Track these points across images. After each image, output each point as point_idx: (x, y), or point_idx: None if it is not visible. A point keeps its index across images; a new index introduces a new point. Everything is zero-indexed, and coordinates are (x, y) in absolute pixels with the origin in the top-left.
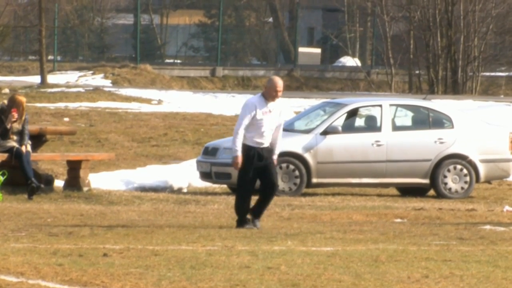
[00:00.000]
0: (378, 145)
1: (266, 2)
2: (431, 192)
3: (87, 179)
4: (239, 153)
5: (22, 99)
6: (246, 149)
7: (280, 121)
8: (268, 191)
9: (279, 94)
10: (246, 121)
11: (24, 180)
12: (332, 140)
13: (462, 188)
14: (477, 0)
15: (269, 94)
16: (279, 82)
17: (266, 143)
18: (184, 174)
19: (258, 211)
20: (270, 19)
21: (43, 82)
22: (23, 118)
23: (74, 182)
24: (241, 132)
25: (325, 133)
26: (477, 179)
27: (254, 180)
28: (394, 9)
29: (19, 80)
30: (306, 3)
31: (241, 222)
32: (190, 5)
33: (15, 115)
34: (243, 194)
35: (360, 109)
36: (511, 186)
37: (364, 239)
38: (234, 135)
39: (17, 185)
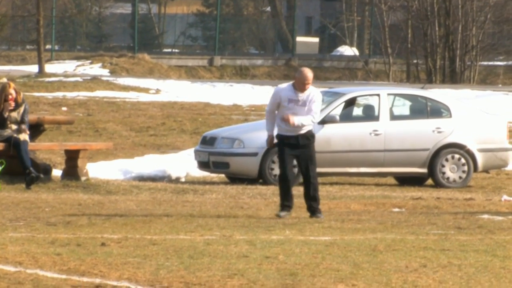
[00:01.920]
0: (376, 135)
1: None
2: (429, 181)
3: (85, 168)
4: (270, 133)
5: (10, 84)
6: (277, 136)
7: (310, 108)
8: (304, 182)
9: (307, 86)
10: (271, 107)
11: (22, 169)
12: (330, 129)
13: (460, 177)
14: None
15: (297, 85)
16: (308, 75)
17: (295, 131)
18: (182, 163)
19: (307, 205)
20: (268, 8)
21: (41, 72)
22: (23, 106)
23: (72, 171)
24: (269, 116)
25: (323, 122)
26: (475, 169)
27: (288, 166)
28: None
29: (17, 70)
30: None
31: (281, 206)
32: None
33: (12, 103)
34: (279, 178)
35: (358, 99)
36: (509, 175)
37: (362, 229)
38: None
39: (15, 174)
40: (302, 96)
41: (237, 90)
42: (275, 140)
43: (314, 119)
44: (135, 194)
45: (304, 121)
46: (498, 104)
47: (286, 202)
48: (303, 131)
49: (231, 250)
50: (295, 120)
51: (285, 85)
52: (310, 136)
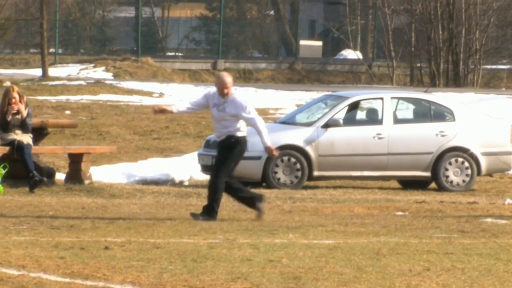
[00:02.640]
0: (380, 138)
1: None
2: (433, 185)
3: (88, 172)
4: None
5: (14, 88)
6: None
7: (231, 114)
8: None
9: (225, 91)
10: (195, 99)
11: (26, 173)
12: (333, 133)
13: (463, 181)
14: None
15: (218, 91)
16: (225, 79)
17: (217, 137)
18: (186, 167)
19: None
20: (272, 12)
21: (45, 75)
22: (26, 110)
23: (75, 175)
24: (189, 102)
25: (326, 126)
26: (479, 172)
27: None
28: (395, 2)
29: (21, 73)
30: None
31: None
32: None
33: (15, 107)
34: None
35: (362, 102)
36: None
37: (365, 232)
38: None
39: (18, 178)
40: (223, 101)
41: (241, 94)
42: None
43: (249, 115)
44: (139, 198)
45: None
46: (502, 107)
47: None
48: (224, 136)
49: (235, 253)
50: (156, 107)
51: (213, 90)
52: (233, 141)
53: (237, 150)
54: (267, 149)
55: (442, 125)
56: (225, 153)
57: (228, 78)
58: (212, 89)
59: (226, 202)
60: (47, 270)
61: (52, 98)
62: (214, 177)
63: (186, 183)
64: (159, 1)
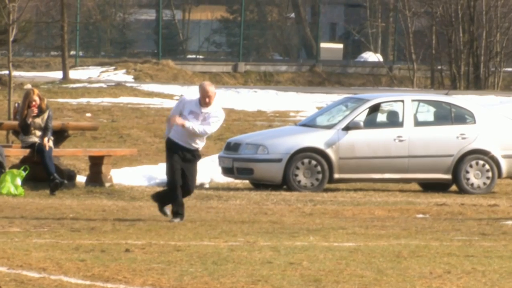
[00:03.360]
0: (400, 141)
1: None
2: (453, 187)
3: (109, 174)
4: (167, 134)
5: (34, 91)
6: (168, 141)
7: (209, 123)
8: (184, 193)
9: (207, 100)
10: (173, 112)
11: (46, 175)
12: (354, 135)
13: (484, 183)
14: None
15: (201, 99)
16: (208, 88)
17: (186, 144)
18: (206, 169)
19: (161, 200)
20: (292, 15)
21: (65, 78)
22: (47, 112)
23: (96, 177)
24: (170, 118)
25: (347, 128)
26: (499, 175)
27: (177, 173)
28: (416, 4)
29: (42, 76)
30: None
31: (173, 213)
32: (212, 1)
33: (35, 110)
34: (168, 185)
35: (382, 105)
36: None
37: (386, 235)
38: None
39: (39, 180)
40: (204, 110)
41: (261, 96)
42: (179, 120)
43: (207, 130)
44: None
45: (196, 129)
46: None
47: (177, 209)
48: (192, 147)
49: (255, 256)
50: (187, 123)
51: (193, 97)
52: (196, 154)
53: (197, 162)
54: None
55: (462, 128)
56: (192, 165)
57: (210, 86)
58: (189, 97)
59: (247, 205)
60: (67, 272)
61: (73, 101)
62: (191, 190)
63: (207, 186)
64: (180, 4)
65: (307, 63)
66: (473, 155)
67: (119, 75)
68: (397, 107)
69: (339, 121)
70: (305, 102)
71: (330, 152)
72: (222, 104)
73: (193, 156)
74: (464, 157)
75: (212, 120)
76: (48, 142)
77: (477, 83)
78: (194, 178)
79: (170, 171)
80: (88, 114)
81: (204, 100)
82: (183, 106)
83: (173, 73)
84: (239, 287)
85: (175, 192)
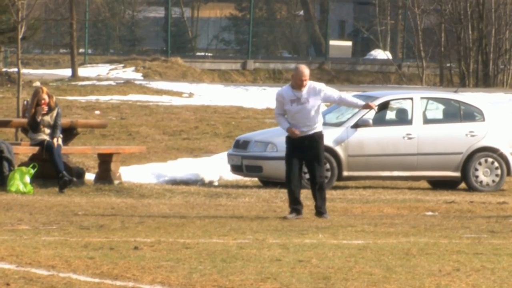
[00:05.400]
0: (409, 138)
1: None
2: (462, 185)
3: (118, 172)
4: (287, 125)
5: (43, 89)
6: (286, 138)
7: (316, 102)
8: (311, 182)
9: (304, 83)
10: (278, 110)
11: (55, 173)
12: (363, 133)
13: (493, 181)
14: None
15: (295, 83)
16: (304, 71)
17: (303, 133)
18: (215, 167)
19: (315, 205)
20: (301, 12)
21: (74, 75)
22: (56, 110)
23: (105, 175)
24: (279, 118)
25: (356, 126)
26: (508, 172)
27: (297, 169)
28: (425, 2)
29: (50, 73)
30: None
31: (291, 210)
32: None
33: (45, 107)
34: (286, 180)
35: (391, 102)
36: None
37: (395, 232)
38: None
39: (48, 178)
40: (301, 93)
41: (270, 94)
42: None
43: (338, 95)
44: (168, 198)
45: (309, 122)
46: None
47: (294, 206)
48: (310, 132)
49: (264, 253)
50: (297, 132)
51: (283, 87)
52: (317, 137)
53: (322, 145)
54: (366, 105)
55: (471, 125)
56: (315, 150)
57: (306, 69)
58: (281, 88)
59: (256, 203)
60: (76, 270)
61: (82, 98)
62: (318, 177)
63: (216, 183)
64: (189, 1)
65: (316, 61)
66: (482, 153)
67: (128, 73)
68: (406, 104)
69: (348, 119)
70: None
71: (339, 149)
72: (231, 102)
73: (315, 140)
74: (473, 155)
75: (325, 91)
76: (57, 140)
77: (486, 81)
78: (321, 162)
79: (288, 168)
80: (97, 112)
81: (302, 82)
82: (283, 99)
83: (182, 70)
84: (248, 284)
85: (291, 187)
